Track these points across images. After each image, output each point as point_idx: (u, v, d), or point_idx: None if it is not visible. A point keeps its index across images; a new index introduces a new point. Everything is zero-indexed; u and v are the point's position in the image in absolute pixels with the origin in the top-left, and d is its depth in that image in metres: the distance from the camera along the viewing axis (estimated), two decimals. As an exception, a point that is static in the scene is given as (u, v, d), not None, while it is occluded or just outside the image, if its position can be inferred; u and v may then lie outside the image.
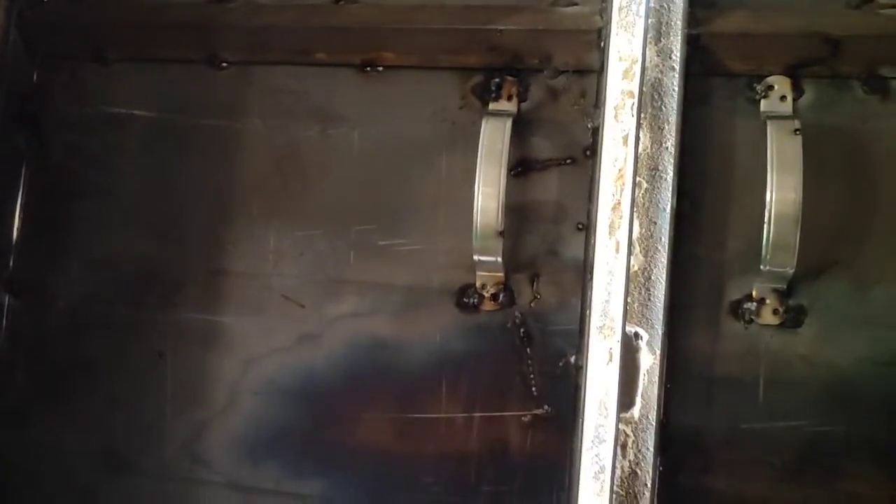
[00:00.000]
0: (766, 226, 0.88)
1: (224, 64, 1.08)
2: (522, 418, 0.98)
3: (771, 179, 0.88)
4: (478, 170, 0.93)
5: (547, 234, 1.00)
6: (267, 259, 1.05)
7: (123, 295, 1.09)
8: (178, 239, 1.08)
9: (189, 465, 1.05)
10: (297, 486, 1.02)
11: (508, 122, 0.96)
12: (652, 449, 0.94)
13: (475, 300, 0.99)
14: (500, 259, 0.96)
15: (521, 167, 1.00)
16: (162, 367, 1.07)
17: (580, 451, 0.92)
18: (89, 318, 1.09)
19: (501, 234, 0.94)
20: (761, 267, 0.89)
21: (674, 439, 0.95)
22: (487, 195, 0.93)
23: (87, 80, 1.11)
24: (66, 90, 1.12)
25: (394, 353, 1.01)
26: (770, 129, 0.90)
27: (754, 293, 0.94)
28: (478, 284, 0.99)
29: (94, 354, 1.09)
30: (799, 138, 0.88)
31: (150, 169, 1.10)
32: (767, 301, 0.93)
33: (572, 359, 0.97)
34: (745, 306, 0.94)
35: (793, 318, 0.93)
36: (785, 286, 0.92)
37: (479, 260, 0.96)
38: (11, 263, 1.11)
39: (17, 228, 1.12)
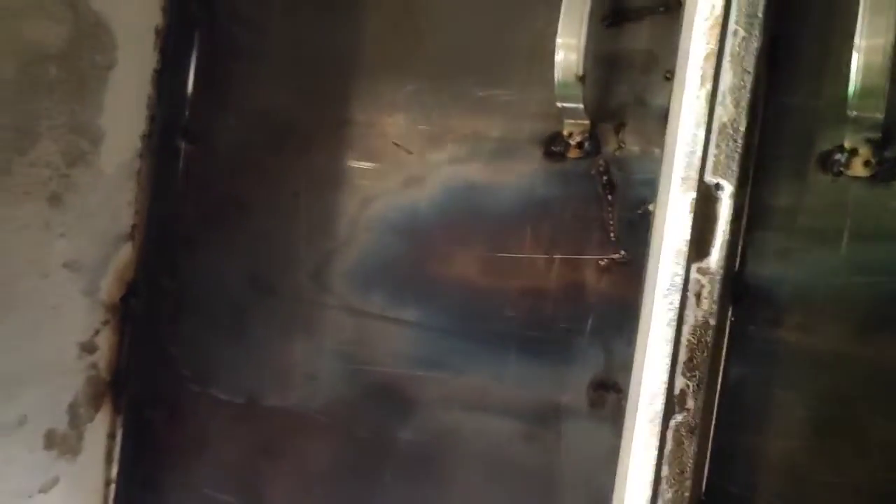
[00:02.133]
0: (853, 69, 0.83)
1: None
2: (599, 262, 1.02)
3: (861, 22, 0.82)
4: (561, 18, 0.96)
5: (635, 83, 1.01)
6: (383, 110, 1.16)
7: (268, 142, 1.25)
8: (313, 93, 1.22)
9: (316, 290, 1.21)
10: (398, 313, 1.14)
11: (597, -29, 0.97)
12: (725, 299, 0.95)
13: (561, 148, 1.03)
14: (581, 105, 0.98)
15: (614, 17, 1.01)
16: (297, 204, 1.22)
17: (654, 298, 0.95)
18: (242, 162, 1.27)
19: (582, 78, 0.96)
20: (848, 113, 0.85)
21: (748, 291, 0.94)
22: (569, 42, 0.96)
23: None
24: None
25: (485, 196, 1.08)
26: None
27: (846, 143, 0.89)
28: (564, 133, 1.03)
29: (245, 193, 1.27)
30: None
31: (293, 31, 1.24)
32: (860, 152, 0.89)
33: (651, 207, 0.99)
34: (836, 157, 0.90)
35: (886, 171, 0.87)
36: (879, 136, 0.87)
37: (562, 107, 1.00)
38: (186, 114, 1.31)
39: (191, 84, 1.31)
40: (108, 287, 1.29)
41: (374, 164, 1.17)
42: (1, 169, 1.08)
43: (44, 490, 1.24)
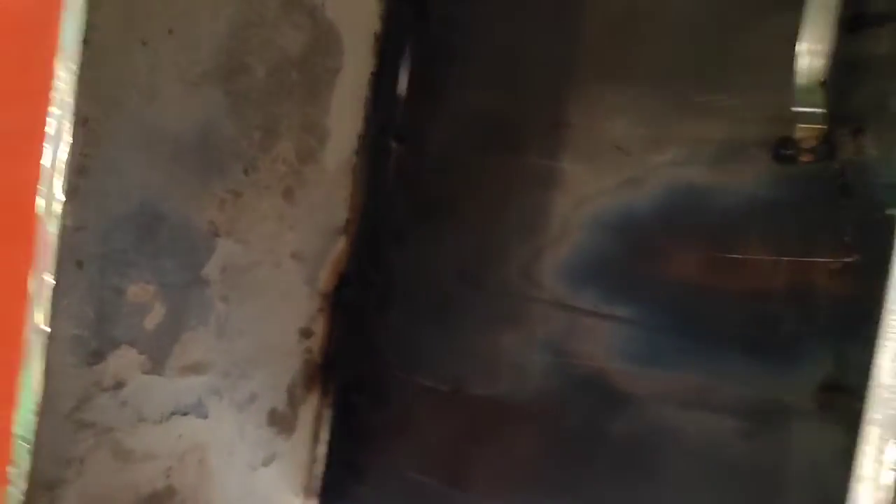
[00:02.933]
0: None
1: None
2: (831, 265, 1.03)
3: None
4: (805, 20, 0.97)
5: (876, 87, 1.01)
6: (600, 113, 1.20)
7: (479, 143, 1.31)
8: (527, 96, 1.27)
9: (525, 285, 1.26)
10: (611, 309, 1.18)
11: (843, -24, 0.98)
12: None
13: (793, 152, 1.04)
14: (821, 111, 0.99)
15: (856, 22, 1.02)
16: (507, 203, 1.27)
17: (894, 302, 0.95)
18: (452, 162, 1.34)
19: (824, 84, 0.97)
20: None
21: None
22: (812, 47, 0.97)
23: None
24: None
25: (707, 198, 1.10)
26: None
27: None
28: (797, 137, 1.04)
29: (454, 191, 1.33)
30: None
31: (507, 35, 1.29)
32: None
33: (893, 211, 0.99)
34: None
35: None
36: None
37: (799, 112, 1.01)
38: (399, 115, 1.39)
39: (404, 87, 1.38)
40: (325, 277, 1.38)
41: (589, 166, 1.20)
42: (251, 166, 1.18)
43: (265, 464, 1.34)
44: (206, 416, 1.20)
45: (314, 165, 1.30)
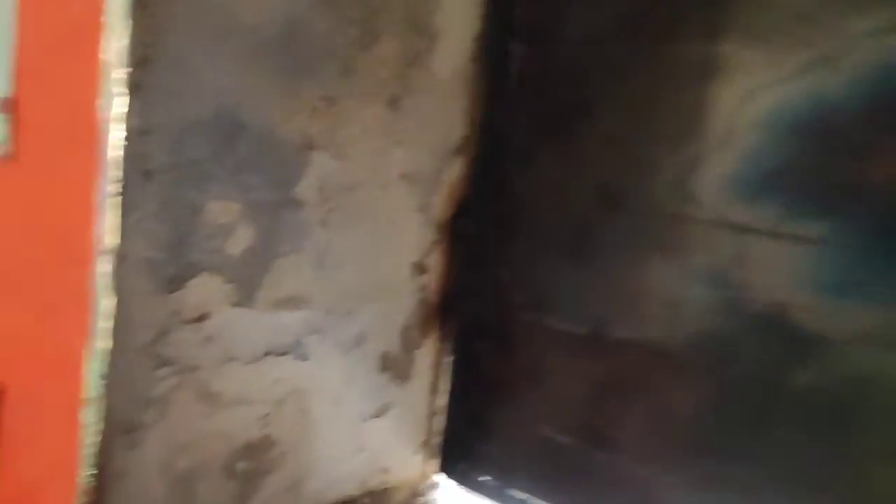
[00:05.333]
0: None
1: None
2: None
3: None
4: None
5: None
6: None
7: (618, 34, 1.08)
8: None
9: (679, 202, 1.02)
10: (797, 228, 0.92)
11: None
12: None
13: None
14: None
15: None
16: (654, 102, 1.04)
17: None
18: (587, 61, 1.11)
19: None
20: None
21: None
22: None
23: None
24: None
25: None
26: None
27: None
28: None
29: (589, 95, 1.11)
30: None
31: None
32: None
33: None
34: None
35: None
36: None
37: None
38: (522, 12, 1.17)
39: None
40: (440, 204, 1.20)
41: (761, 46, 0.94)
42: (347, 68, 1.01)
43: (377, 415, 1.19)
44: (306, 358, 1.05)
45: (423, 71, 1.12)
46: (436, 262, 1.22)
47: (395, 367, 1.20)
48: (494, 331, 1.22)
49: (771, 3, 0.94)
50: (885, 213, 0.86)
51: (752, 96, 0.96)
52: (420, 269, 1.20)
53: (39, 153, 0.96)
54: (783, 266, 0.93)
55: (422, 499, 1.27)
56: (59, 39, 0.91)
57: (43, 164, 0.96)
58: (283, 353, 1.03)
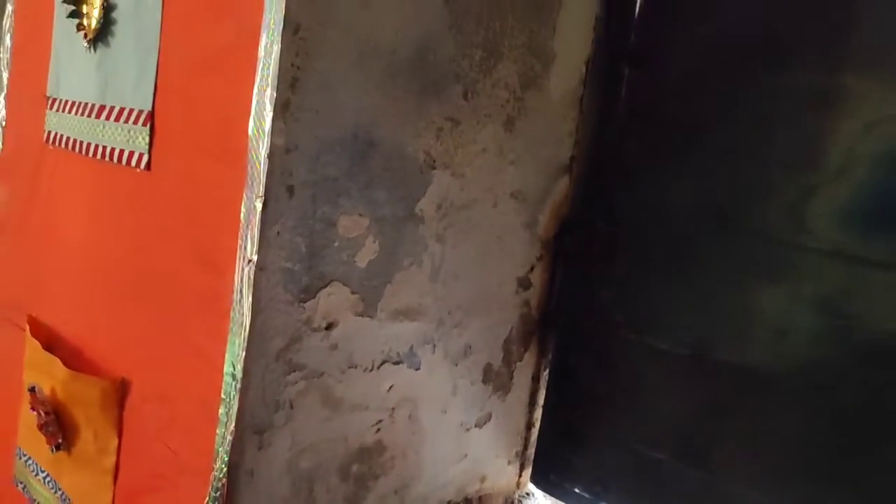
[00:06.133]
0: None
1: None
2: None
3: None
4: None
5: None
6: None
7: (729, 61, 1.10)
8: (796, 2, 1.04)
9: (792, 230, 1.04)
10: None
11: None
12: None
13: None
14: None
15: None
16: (768, 130, 1.05)
17: None
18: (696, 85, 1.13)
19: None
20: None
21: None
22: None
23: None
24: None
25: None
26: None
27: None
28: None
29: (698, 119, 1.13)
30: None
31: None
32: None
33: None
34: None
35: None
36: None
37: None
38: (633, 36, 1.20)
39: (639, 3, 1.19)
40: (545, 222, 1.23)
41: (884, 79, 0.95)
42: (471, 90, 1.05)
43: (479, 424, 1.22)
44: (418, 368, 1.09)
45: (538, 93, 1.15)
46: (539, 278, 1.25)
47: (497, 378, 1.23)
48: (593, 347, 1.25)
49: (889, 34, 0.95)
50: None
51: (872, 129, 0.97)
52: (524, 284, 1.23)
53: (178, 166, 1.02)
54: (894, 298, 0.94)
55: (515, 508, 1.31)
56: (205, 60, 0.96)
57: (182, 175, 1.02)
58: (398, 363, 1.07)
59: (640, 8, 1.20)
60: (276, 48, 0.85)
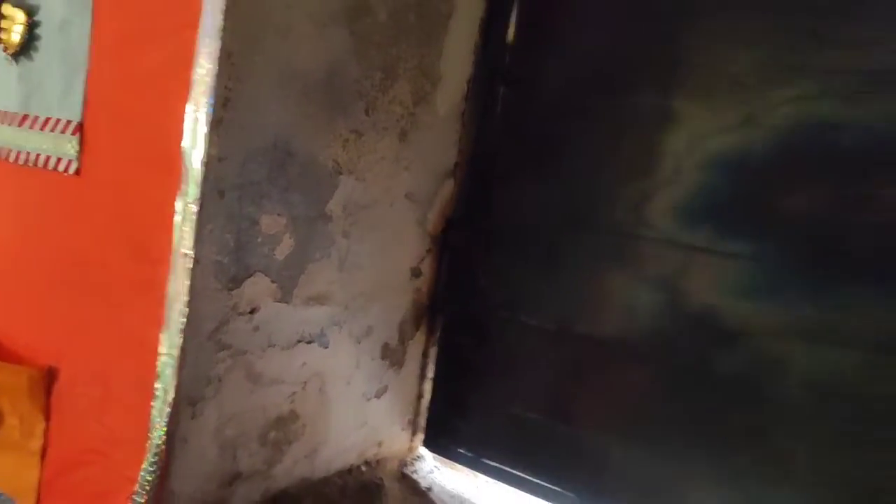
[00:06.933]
0: None
1: None
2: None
3: None
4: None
5: None
6: (719, 48, 1.20)
7: (590, 83, 1.33)
8: (641, 33, 1.28)
9: (635, 224, 1.27)
10: (727, 246, 1.18)
11: None
12: None
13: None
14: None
15: None
16: (618, 143, 1.29)
17: None
18: (561, 103, 1.36)
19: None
20: None
21: None
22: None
23: None
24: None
25: (837, 134, 1.09)
26: None
27: None
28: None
29: (563, 132, 1.35)
30: None
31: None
32: None
33: None
34: None
35: None
36: None
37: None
38: (508, 59, 1.41)
39: (513, 31, 1.41)
40: (434, 219, 1.42)
41: (704, 103, 1.21)
42: (371, 106, 1.22)
43: (377, 395, 1.40)
44: (327, 346, 1.26)
45: (427, 108, 1.34)
46: (428, 268, 1.44)
47: (392, 355, 1.42)
48: (474, 326, 1.46)
49: (713, 70, 1.20)
50: (794, 237, 1.13)
51: (696, 143, 1.22)
52: (416, 273, 1.42)
53: (110, 171, 1.14)
54: (715, 276, 1.20)
55: (409, 468, 1.49)
56: (137, 78, 1.09)
57: (114, 180, 1.14)
58: (311, 342, 1.23)
59: (513, 36, 1.41)
60: (212, 72, 0.99)
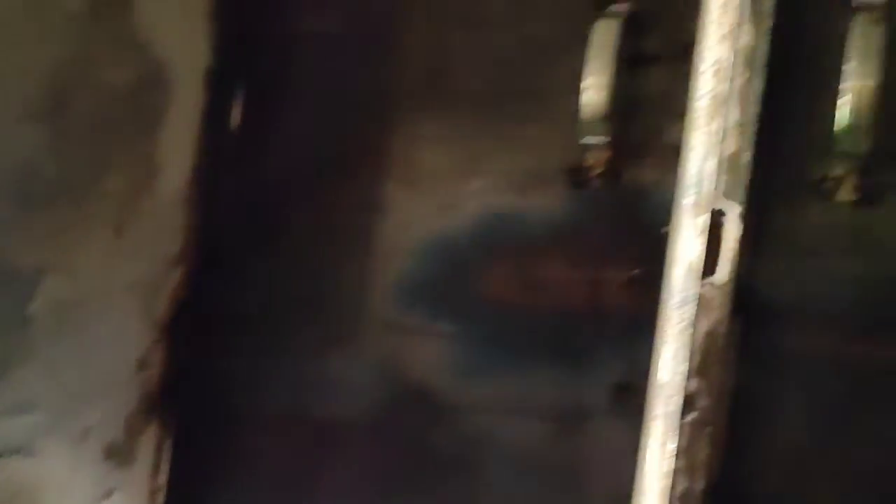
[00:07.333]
0: (839, 108, 0.98)
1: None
2: (622, 279, 1.15)
3: (849, 66, 0.97)
4: (587, 63, 1.10)
5: (652, 120, 1.15)
6: (421, 143, 1.29)
7: (311, 171, 1.38)
8: (354, 127, 1.35)
9: (357, 307, 1.33)
10: (436, 327, 1.26)
11: (618, 22, 1.11)
12: (732, 310, 1.09)
13: (585, 178, 1.17)
14: (605, 141, 1.12)
15: (634, 61, 1.15)
16: (339, 227, 1.34)
17: (670, 310, 1.09)
18: (285, 190, 1.40)
19: (606, 118, 1.10)
20: (835, 146, 0.99)
21: (753, 302, 1.08)
22: (594, 85, 1.10)
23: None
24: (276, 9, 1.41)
25: (516, 222, 1.21)
26: (855, 19, 0.99)
27: (834, 172, 1.04)
28: (588, 164, 1.17)
29: (288, 217, 1.40)
30: (881, 27, 0.96)
31: (334, 72, 1.37)
32: (847, 180, 1.03)
33: (667, 229, 1.12)
34: (825, 184, 1.04)
35: (868, 196, 1.02)
36: (862, 165, 1.01)
37: (586, 141, 1.13)
38: (232, 147, 1.43)
39: (238, 119, 1.44)
40: (162, 307, 1.40)
41: (411, 193, 1.29)
42: (78, 198, 1.19)
43: (105, 497, 1.34)
44: (35, 456, 1.19)
45: (148, 198, 1.32)
46: (158, 358, 1.41)
47: (119, 454, 1.36)
48: (209, 416, 1.44)
49: (416, 164, 1.29)
50: (493, 317, 1.23)
51: (405, 228, 1.30)
52: (143, 364, 1.38)
53: None
54: (428, 355, 1.27)
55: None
56: None
57: None
58: (14, 454, 1.16)
59: (238, 123, 1.43)
60: None
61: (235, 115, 1.43)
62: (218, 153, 1.43)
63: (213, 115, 1.42)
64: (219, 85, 1.41)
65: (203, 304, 1.43)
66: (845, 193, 1.03)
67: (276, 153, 1.41)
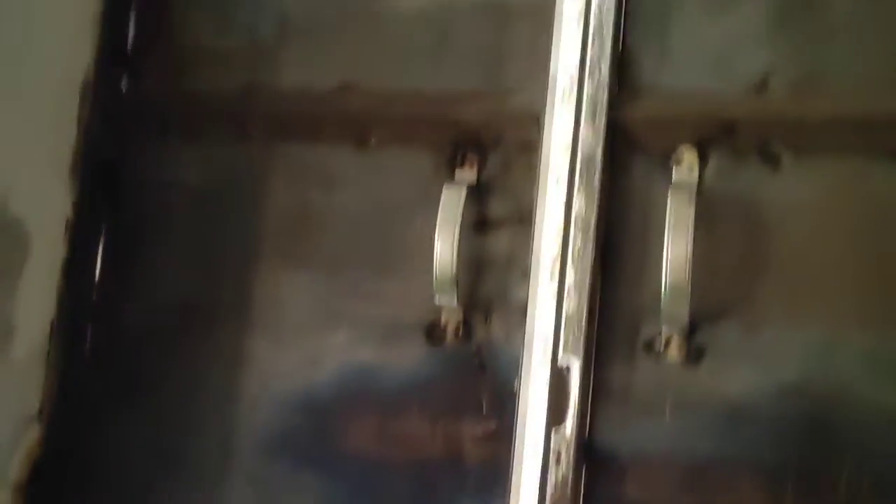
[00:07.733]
0: (663, 277, 1.07)
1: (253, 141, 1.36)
2: (476, 432, 1.20)
3: (667, 237, 1.07)
4: (437, 227, 1.16)
5: (499, 280, 1.22)
6: (283, 296, 1.32)
7: (174, 324, 1.38)
8: (217, 279, 1.36)
9: (221, 461, 1.32)
10: (299, 481, 1.27)
11: (464, 189, 1.19)
12: (579, 461, 1.15)
13: (440, 335, 1.22)
14: (456, 301, 1.18)
15: (479, 225, 1.23)
16: (203, 381, 1.34)
17: (522, 460, 1.14)
18: (148, 342, 1.39)
19: (456, 278, 1.16)
20: (662, 308, 1.08)
21: (597, 453, 1.14)
22: (444, 248, 1.16)
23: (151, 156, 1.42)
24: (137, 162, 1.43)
25: (376, 376, 1.25)
26: (671, 194, 1.09)
27: (663, 333, 1.13)
28: (442, 322, 1.22)
29: (151, 371, 1.38)
30: (693, 202, 1.07)
31: (196, 224, 1.39)
32: (673, 340, 1.12)
33: (516, 384, 1.18)
34: (656, 344, 1.13)
35: (694, 355, 1.11)
36: (686, 327, 1.10)
37: (440, 302, 1.19)
38: (94, 299, 1.42)
39: (99, 272, 1.43)
40: (16, 468, 1.35)
41: (274, 346, 1.31)
42: (-81, 370, 1.16)
43: None
44: None
45: (1, 360, 1.29)
46: (13, 522, 1.35)
47: None
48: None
49: (281, 317, 1.31)
50: (355, 472, 1.25)
51: (269, 382, 1.31)
52: (-4, 533, 1.32)
53: None
54: (288, 507, 1.27)
55: None
56: None
57: None
58: None
59: (100, 274, 1.42)
60: None
61: (97, 267, 1.42)
62: (79, 306, 1.41)
63: (75, 267, 1.41)
64: (79, 237, 1.41)
65: (61, 461, 1.39)
66: (673, 353, 1.12)
67: (141, 302, 1.40)
